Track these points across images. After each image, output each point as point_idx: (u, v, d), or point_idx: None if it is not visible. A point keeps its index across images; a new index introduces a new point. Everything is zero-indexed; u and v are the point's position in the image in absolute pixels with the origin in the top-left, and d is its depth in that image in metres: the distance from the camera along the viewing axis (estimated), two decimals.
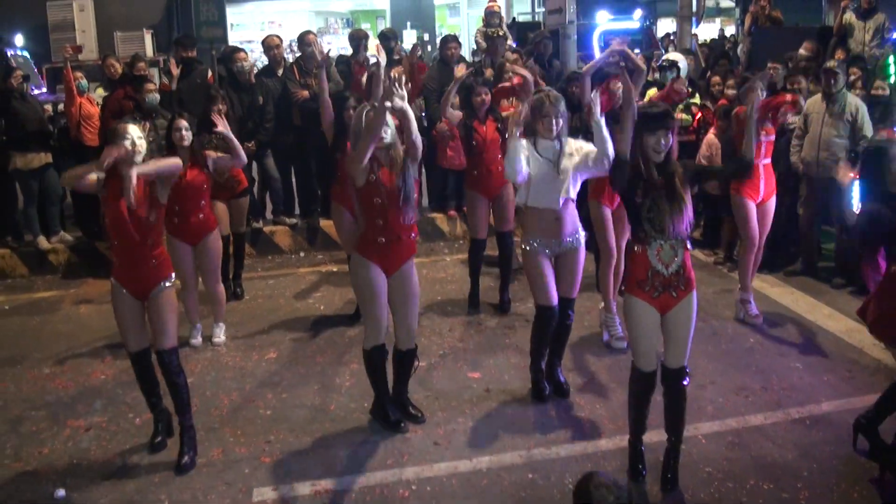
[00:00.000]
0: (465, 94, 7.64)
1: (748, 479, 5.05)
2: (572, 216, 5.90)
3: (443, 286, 8.70)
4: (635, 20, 16.57)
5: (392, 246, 5.53)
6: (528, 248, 5.92)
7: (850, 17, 11.39)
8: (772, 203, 7.49)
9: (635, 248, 4.83)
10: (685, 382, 4.93)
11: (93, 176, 5.23)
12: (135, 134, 5.27)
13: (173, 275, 5.58)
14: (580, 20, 19.65)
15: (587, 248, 6.16)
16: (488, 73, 9.88)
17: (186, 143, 6.78)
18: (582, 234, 6.00)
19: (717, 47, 14.90)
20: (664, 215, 4.65)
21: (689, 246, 4.80)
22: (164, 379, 5.59)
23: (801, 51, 10.15)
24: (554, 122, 5.73)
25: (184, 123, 6.80)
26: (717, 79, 9.78)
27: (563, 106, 5.81)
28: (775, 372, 6.51)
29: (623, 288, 4.98)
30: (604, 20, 18.85)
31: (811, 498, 4.88)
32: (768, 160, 7.41)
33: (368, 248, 5.56)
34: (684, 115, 9.23)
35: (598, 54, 15.64)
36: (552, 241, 5.89)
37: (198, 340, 7.38)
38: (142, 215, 5.28)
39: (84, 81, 10.05)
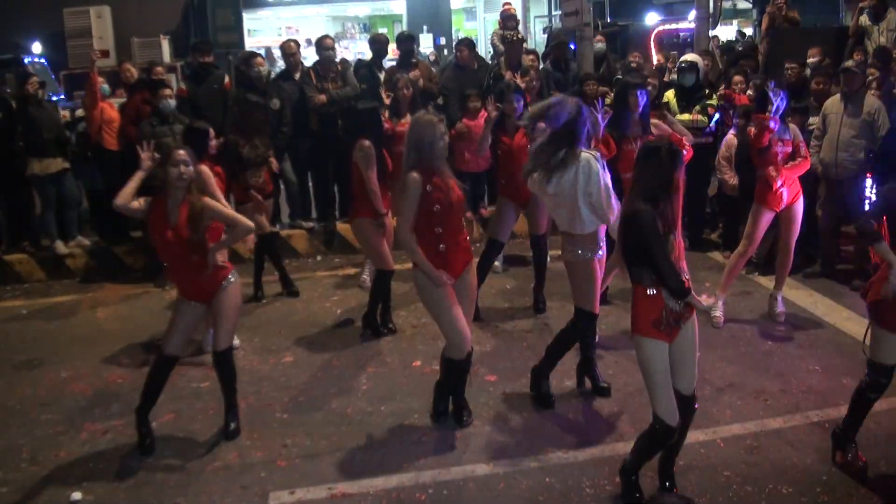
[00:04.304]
0: (497, 97, 7.56)
1: (767, 483, 5.01)
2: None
3: None
4: (690, 21, 16.54)
5: (451, 253, 5.53)
6: (579, 258, 5.83)
7: (864, 19, 11.35)
8: (797, 206, 7.39)
9: (648, 292, 4.57)
10: (696, 406, 4.86)
11: (136, 203, 5.44)
12: (181, 159, 5.42)
13: (233, 272, 5.78)
14: (632, 21, 19.84)
15: None
16: (507, 76, 9.88)
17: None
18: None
19: (731, 50, 14.89)
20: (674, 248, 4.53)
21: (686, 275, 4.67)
22: (219, 375, 5.81)
23: (809, 58, 10.11)
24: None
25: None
26: (738, 78, 9.75)
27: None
28: (794, 375, 6.46)
29: (631, 333, 4.77)
30: (653, 21, 19.07)
31: (830, 502, 4.84)
32: (787, 165, 7.34)
33: (431, 259, 5.51)
34: (700, 117, 9.19)
35: (654, 56, 15.73)
36: (599, 245, 5.89)
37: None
38: (185, 236, 5.45)
39: (106, 86, 10.09)
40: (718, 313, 7.52)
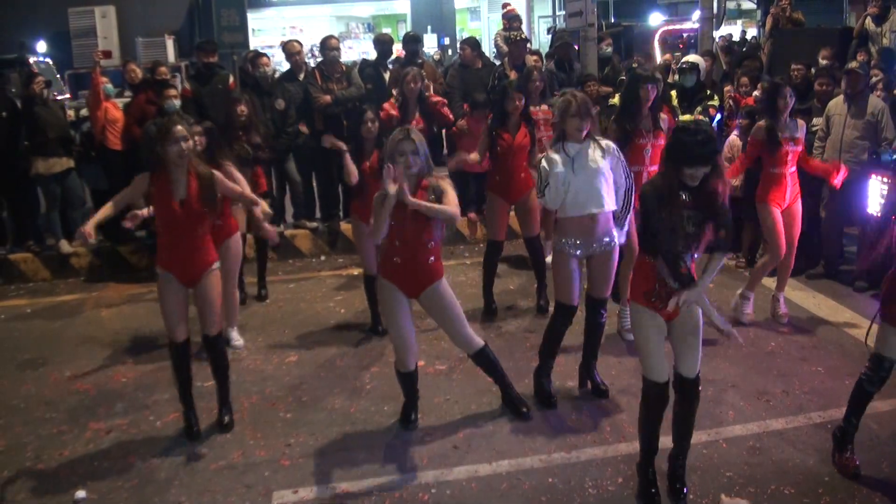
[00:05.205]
0: (498, 98, 7.59)
1: (769, 484, 5.02)
2: (607, 217, 5.86)
3: (462, 290, 8.65)
4: (694, 21, 16.55)
5: (408, 267, 5.49)
6: (558, 248, 5.91)
7: (868, 22, 11.37)
8: (797, 206, 7.41)
9: (645, 259, 4.76)
10: (699, 390, 4.88)
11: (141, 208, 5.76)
12: (180, 135, 5.44)
13: (218, 261, 5.86)
14: (636, 22, 19.88)
15: None
16: (512, 75, 9.90)
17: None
18: (617, 236, 5.98)
19: (737, 50, 14.91)
20: (684, 236, 4.55)
21: (695, 256, 4.70)
22: (211, 362, 5.89)
23: (820, 59, 10.12)
24: (583, 124, 5.72)
25: (198, 129, 6.93)
26: (745, 80, 9.76)
27: (589, 107, 5.81)
28: (797, 376, 6.46)
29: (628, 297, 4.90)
30: (657, 21, 19.11)
31: (832, 503, 4.84)
32: (794, 168, 7.32)
33: (387, 267, 5.58)
34: (702, 118, 9.19)
35: (658, 56, 15.74)
36: (586, 241, 5.86)
37: None
38: (197, 208, 5.52)
39: (110, 86, 10.11)
40: (749, 310, 7.58)
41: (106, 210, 5.65)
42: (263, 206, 6.20)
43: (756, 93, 9.31)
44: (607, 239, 5.89)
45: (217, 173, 5.70)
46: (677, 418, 4.90)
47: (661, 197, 4.55)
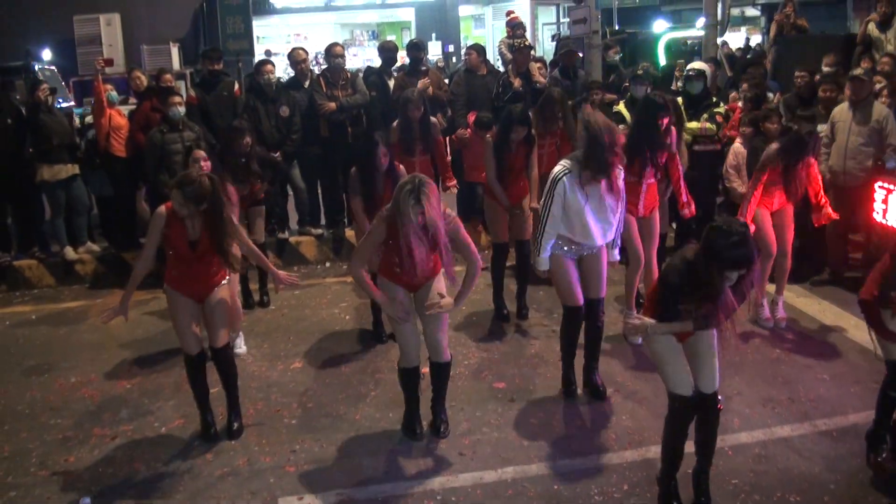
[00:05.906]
0: (504, 124, 7.61)
1: (775, 492, 5.01)
2: None
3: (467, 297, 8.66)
4: (698, 28, 16.56)
5: (407, 275, 5.53)
6: (559, 252, 6.04)
7: (872, 28, 11.36)
8: (789, 209, 7.45)
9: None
10: (720, 407, 4.86)
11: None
12: (179, 203, 5.49)
13: (227, 277, 5.97)
14: (640, 29, 19.88)
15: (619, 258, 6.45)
16: (517, 83, 9.90)
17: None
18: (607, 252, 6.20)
19: (738, 60, 14.95)
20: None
21: None
22: (220, 372, 5.94)
23: (824, 66, 10.12)
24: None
25: (202, 154, 7.26)
26: (746, 87, 9.76)
27: (616, 139, 5.81)
28: (802, 383, 6.45)
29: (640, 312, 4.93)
30: (662, 29, 19.08)
31: None
32: None
33: (386, 270, 5.62)
34: (708, 125, 9.19)
35: (662, 61, 15.75)
36: (578, 247, 6.04)
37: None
38: (207, 250, 5.64)
39: (114, 93, 10.13)
40: (767, 314, 7.61)
41: (138, 277, 5.76)
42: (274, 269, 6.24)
43: (740, 103, 9.28)
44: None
45: (238, 226, 5.86)
46: (699, 434, 4.87)
47: (681, 287, 4.56)
